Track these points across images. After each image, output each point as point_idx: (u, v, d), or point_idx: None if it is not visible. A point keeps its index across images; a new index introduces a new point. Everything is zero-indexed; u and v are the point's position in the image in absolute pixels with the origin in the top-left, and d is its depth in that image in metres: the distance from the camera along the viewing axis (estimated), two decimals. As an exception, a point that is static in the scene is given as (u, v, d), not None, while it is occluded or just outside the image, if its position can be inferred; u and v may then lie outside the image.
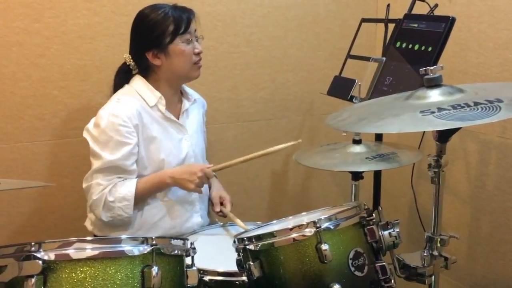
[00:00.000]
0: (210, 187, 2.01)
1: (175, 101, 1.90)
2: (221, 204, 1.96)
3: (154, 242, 1.19)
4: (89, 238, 1.16)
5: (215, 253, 1.68)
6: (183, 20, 1.78)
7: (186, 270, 1.30)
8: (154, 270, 1.16)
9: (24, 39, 2.02)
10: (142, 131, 1.77)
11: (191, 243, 1.35)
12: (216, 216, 2.01)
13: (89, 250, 1.13)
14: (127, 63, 1.84)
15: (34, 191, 2.15)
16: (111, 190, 1.71)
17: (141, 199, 1.77)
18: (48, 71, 2.08)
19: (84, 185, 1.76)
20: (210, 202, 2.00)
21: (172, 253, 1.25)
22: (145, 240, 1.19)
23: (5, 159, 2.08)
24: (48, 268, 1.11)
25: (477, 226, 2.22)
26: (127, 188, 1.73)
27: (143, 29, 1.79)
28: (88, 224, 1.88)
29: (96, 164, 1.72)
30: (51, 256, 1.11)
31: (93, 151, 1.74)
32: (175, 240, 1.29)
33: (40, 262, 1.09)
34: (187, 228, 1.87)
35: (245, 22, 2.38)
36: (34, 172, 2.12)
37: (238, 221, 1.84)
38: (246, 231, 1.55)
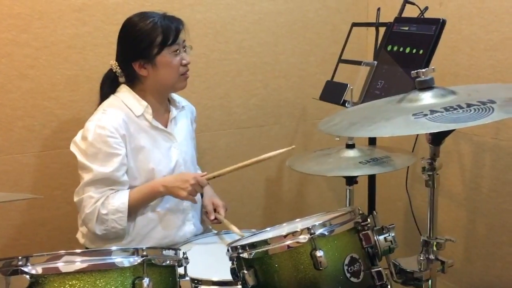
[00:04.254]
0: (202, 195, 1.98)
1: (162, 109, 1.87)
2: (215, 211, 1.93)
3: (145, 253, 1.17)
4: (78, 250, 1.13)
5: (209, 262, 1.65)
6: (171, 30, 1.74)
7: (179, 281, 1.28)
8: (145, 282, 1.14)
9: (12, 50, 2.01)
10: (129, 141, 1.74)
11: (184, 253, 1.32)
12: (210, 223, 1.98)
13: (78, 263, 1.11)
14: (114, 70, 1.82)
15: (24, 203, 2.12)
16: (103, 202, 1.69)
17: (134, 210, 1.75)
18: (38, 82, 2.06)
19: (75, 199, 1.73)
20: (204, 210, 1.97)
21: (164, 264, 1.23)
22: (135, 252, 1.17)
23: (-5, 172, 2.06)
24: (36, 282, 1.08)
25: (473, 229, 2.21)
26: (120, 199, 1.70)
27: (130, 39, 1.76)
28: (79, 237, 1.85)
29: (86, 177, 1.69)
30: (39, 270, 1.08)
31: (82, 164, 1.71)
32: (166, 251, 1.26)
33: (28, 276, 1.07)
34: (180, 237, 1.85)
35: (236, 29, 2.37)
36: (25, 184, 2.10)
37: (233, 227, 1.81)
38: (240, 238, 1.53)
